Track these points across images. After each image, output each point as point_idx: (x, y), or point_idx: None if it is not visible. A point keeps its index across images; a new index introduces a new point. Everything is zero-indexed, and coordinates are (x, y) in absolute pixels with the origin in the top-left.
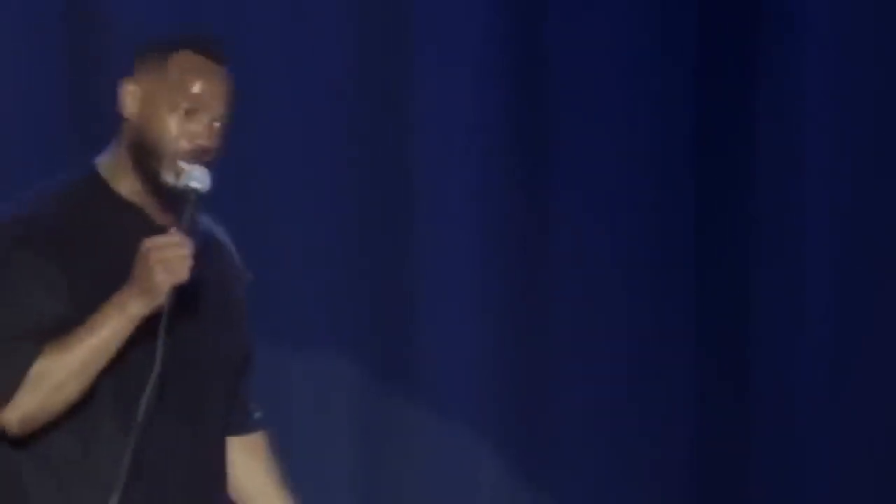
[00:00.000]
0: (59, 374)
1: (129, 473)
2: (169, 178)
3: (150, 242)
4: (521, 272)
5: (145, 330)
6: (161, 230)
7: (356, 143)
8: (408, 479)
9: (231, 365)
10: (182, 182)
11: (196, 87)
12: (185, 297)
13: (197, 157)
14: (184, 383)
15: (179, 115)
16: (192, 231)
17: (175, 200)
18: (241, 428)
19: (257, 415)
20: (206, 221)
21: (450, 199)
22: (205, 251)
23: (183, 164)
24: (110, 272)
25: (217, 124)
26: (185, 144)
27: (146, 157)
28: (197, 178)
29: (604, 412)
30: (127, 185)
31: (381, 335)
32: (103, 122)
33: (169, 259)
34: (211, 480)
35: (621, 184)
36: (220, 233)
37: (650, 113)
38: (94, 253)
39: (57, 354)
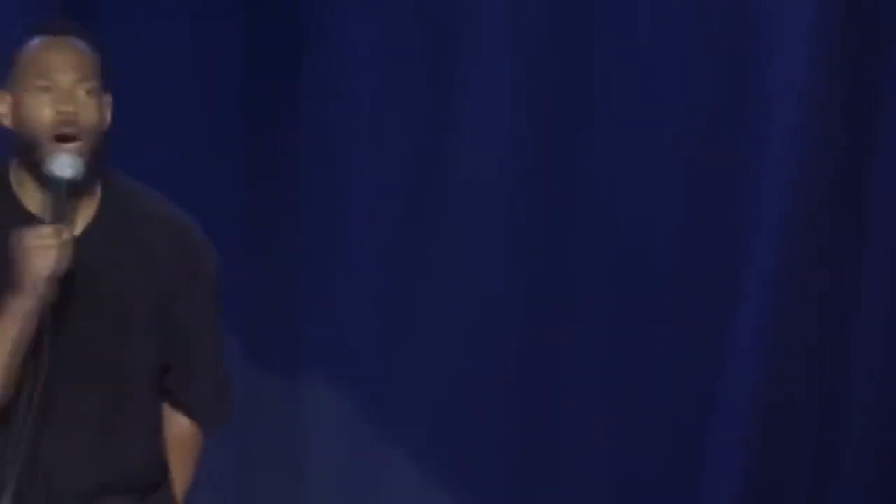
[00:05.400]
0: None
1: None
2: (44, 168)
3: (18, 235)
4: None
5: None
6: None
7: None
8: None
9: (110, 370)
10: (48, 170)
11: (42, 62)
12: (69, 289)
13: (67, 129)
14: (56, 384)
15: (37, 95)
16: (58, 218)
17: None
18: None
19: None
20: (139, 207)
21: None
22: (97, 241)
23: (54, 152)
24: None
25: (82, 91)
26: (48, 120)
27: (27, 153)
28: (62, 166)
29: None
30: (24, 187)
31: None
32: None
33: (34, 250)
34: (85, 481)
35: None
36: (161, 220)
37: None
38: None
39: None
